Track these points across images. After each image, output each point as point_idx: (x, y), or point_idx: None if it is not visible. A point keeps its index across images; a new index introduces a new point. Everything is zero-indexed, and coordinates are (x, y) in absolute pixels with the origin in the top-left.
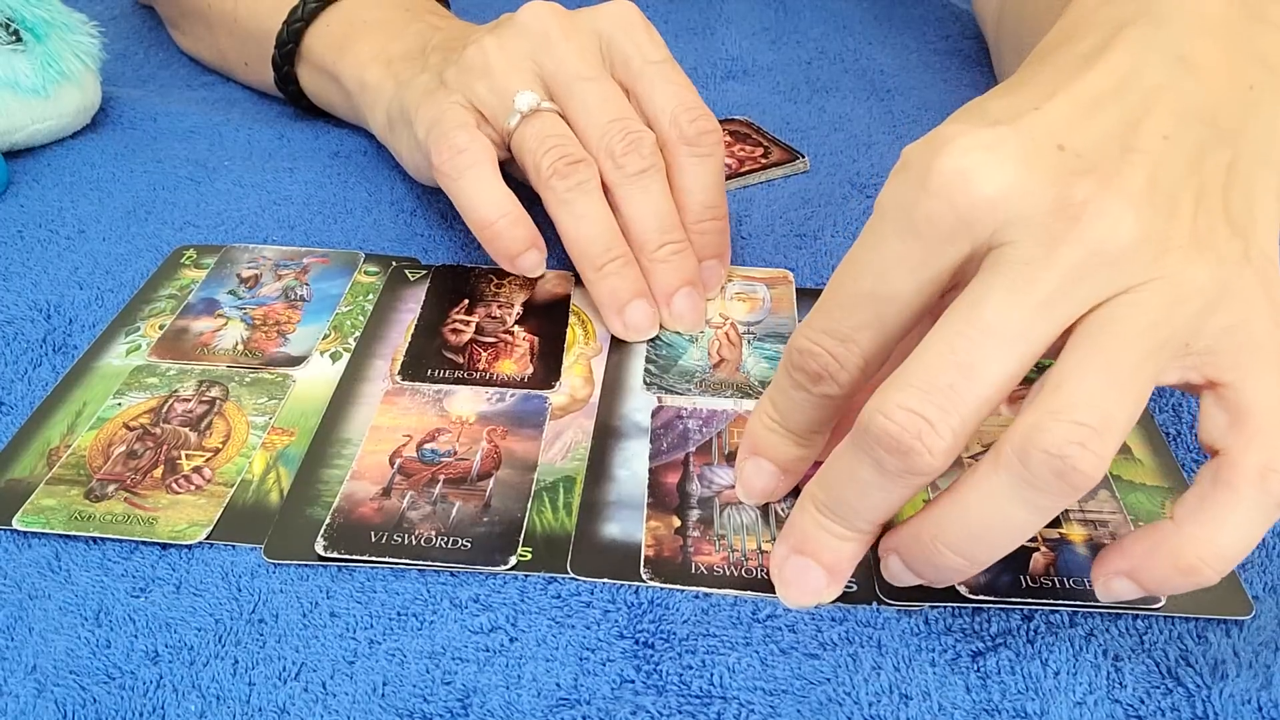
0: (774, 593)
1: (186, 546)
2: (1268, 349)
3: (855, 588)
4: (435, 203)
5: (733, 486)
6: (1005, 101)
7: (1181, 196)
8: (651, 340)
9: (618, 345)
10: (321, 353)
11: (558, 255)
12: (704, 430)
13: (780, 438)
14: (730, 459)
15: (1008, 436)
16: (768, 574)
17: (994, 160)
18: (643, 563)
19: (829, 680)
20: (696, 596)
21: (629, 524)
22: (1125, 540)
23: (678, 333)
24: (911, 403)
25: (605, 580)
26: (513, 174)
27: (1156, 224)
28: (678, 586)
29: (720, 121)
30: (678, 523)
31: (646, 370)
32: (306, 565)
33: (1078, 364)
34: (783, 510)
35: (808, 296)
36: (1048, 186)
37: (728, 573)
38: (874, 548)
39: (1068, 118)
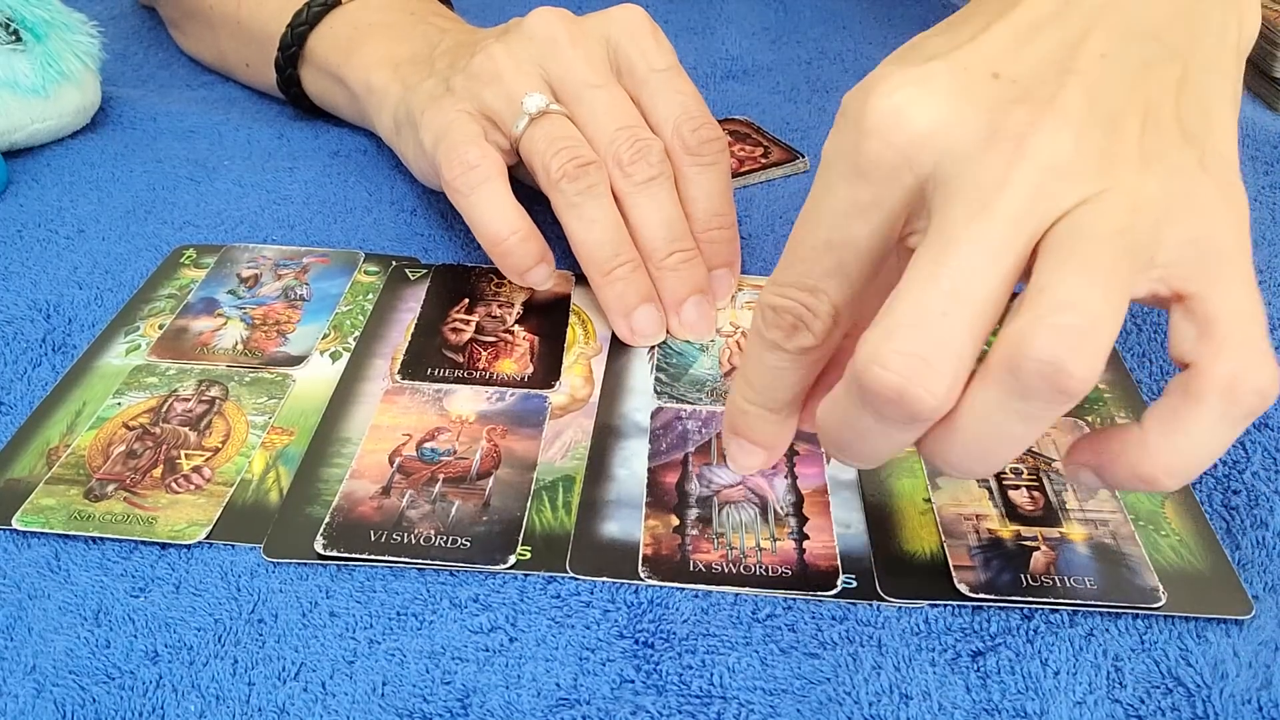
0: (773, 590)
1: (186, 546)
2: (1232, 258)
3: (855, 584)
4: (435, 202)
5: (731, 485)
6: (943, 38)
7: (1125, 113)
8: (662, 349)
9: (618, 345)
10: (321, 352)
11: (565, 259)
12: (703, 431)
13: (756, 416)
14: None
15: (994, 349)
16: (767, 571)
17: (925, 94)
18: (641, 561)
19: (829, 680)
20: (696, 596)
21: (628, 523)
22: (1099, 436)
23: (688, 341)
24: (906, 344)
25: (605, 579)
26: (520, 178)
27: (1097, 140)
28: (676, 584)
29: (720, 121)
30: (676, 521)
31: (657, 379)
32: (306, 564)
33: (1055, 268)
34: (782, 509)
35: None
36: (982, 115)
37: (726, 570)
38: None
39: (1004, 46)
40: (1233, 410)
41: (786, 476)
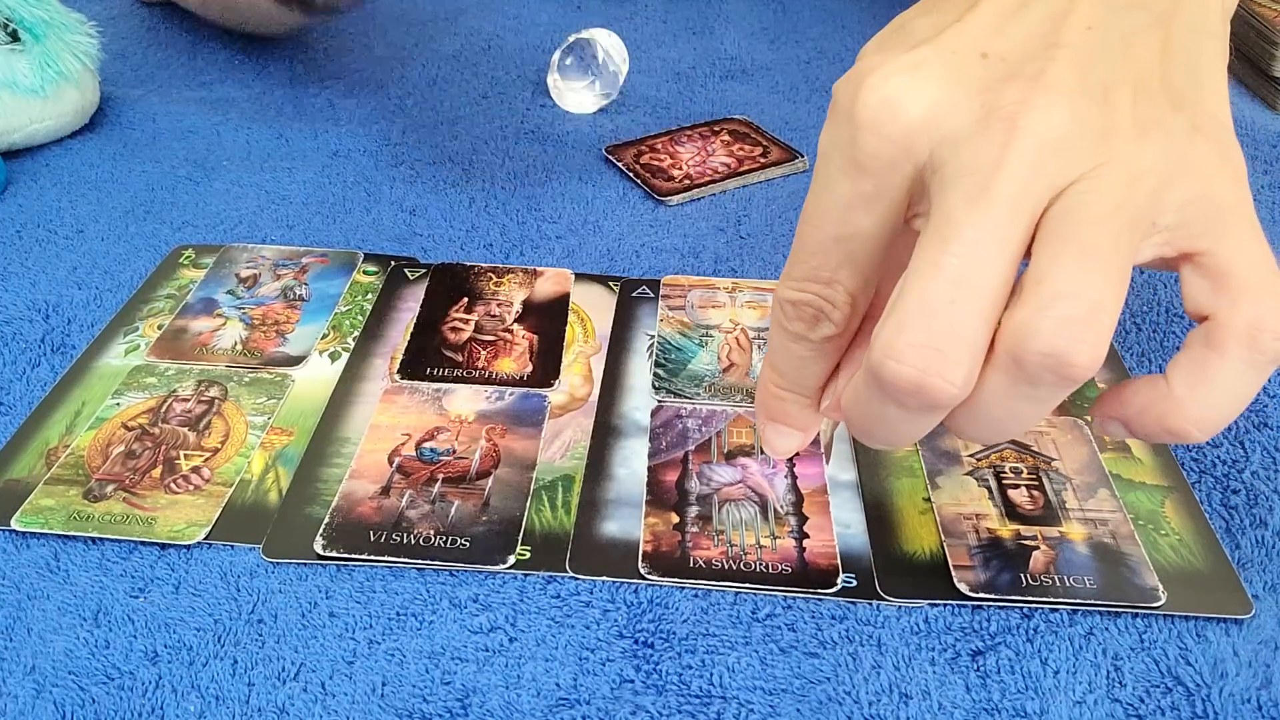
0: (773, 587)
1: (185, 546)
2: (1235, 209)
3: (855, 584)
4: (435, 202)
5: (731, 483)
6: (928, 20)
7: (1116, 83)
8: (660, 344)
9: (617, 344)
10: (320, 352)
11: (565, 259)
12: (703, 429)
13: (790, 402)
14: (729, 457)
15: (999, 340)
16: (767, 569)
17: (916, 82)
18: (640, 558)
19: (829, 679)
20: (696, 595)
21: (627, 522)
22: (1126, 389)
23: (687, 337)
24: (918, 336)
25: (604, 579)
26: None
27: (1092, 112)
28: (675, 581)
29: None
30: (676, 519)
31: (655, 375)
32: (305, 565)
33: (1053, 255)
34: (782, 508)
35: None
36: (974, 97)
37: (726, 567)
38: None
39: (990, 25)
40: (1257, 358)
41: (787, 476)
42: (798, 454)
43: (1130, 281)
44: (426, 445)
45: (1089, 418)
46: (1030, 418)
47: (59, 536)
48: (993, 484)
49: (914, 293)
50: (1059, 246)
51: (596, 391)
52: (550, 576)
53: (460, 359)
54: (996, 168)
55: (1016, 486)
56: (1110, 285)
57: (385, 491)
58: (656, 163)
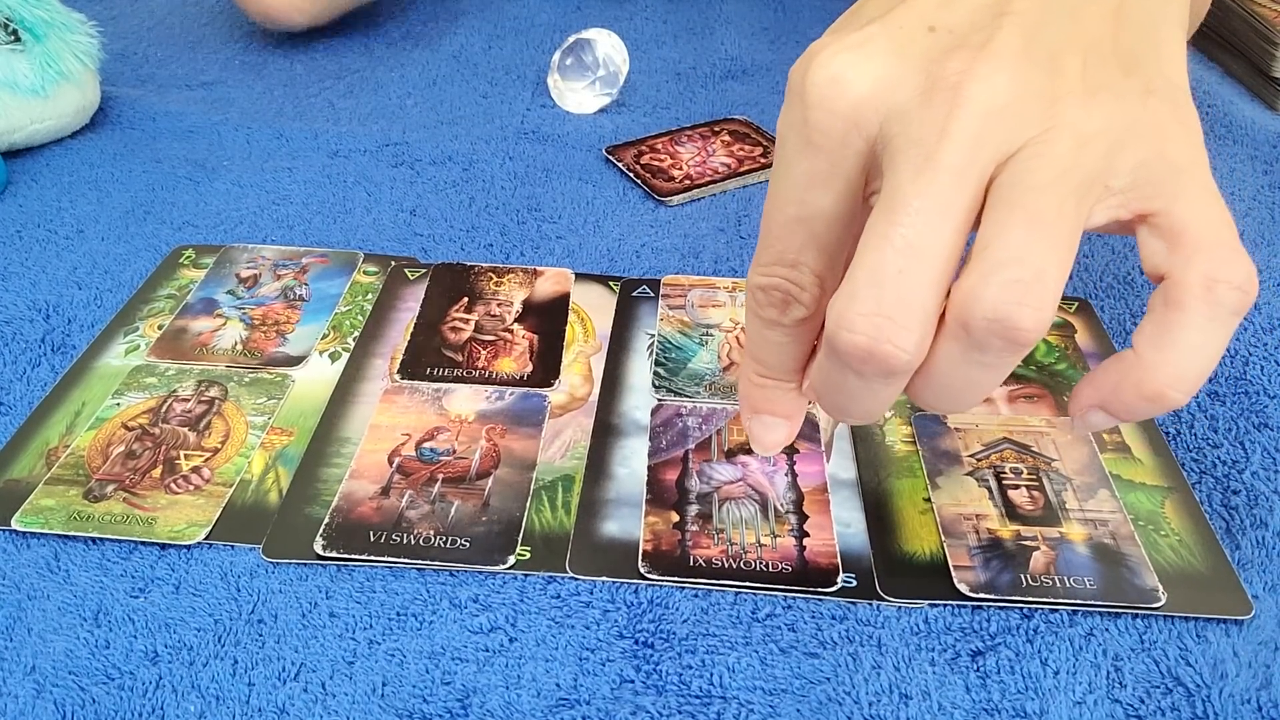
0: (773, 586)
1: (185, 546)
2: (1189, 170)
3: (855, 583)
4: (435, 202)
5: (732, 482)
6: (882, 1)
7: (1065, 49)
8: (660, 343)
9: (617, 343)
10: (320, 352)
11: (563, 260)
12: (703, 427)
13: (773, 389)
14: (729, 455)
15: (949, 308)
16: (767, 567)
17: (861, 59)
18: (641, 557)
19: (829, 680)
20: (696, 595)
21: (627, 521)
22: (1095, 374)
23: (686, 335)
24: (868, 305)
25: (604, 579)
26: None
27: (1038, 77)
28: (675, 580)
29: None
30: (676, 518)
31: (655, 374)
32: (305, 565)
33: (999, 222)
34: (783, 506)
35: None
36: (919, 70)
37: (726, 565)
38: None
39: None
40: (1217, 310)
41: (787, 474)
42: (797, 451)
43: (1130, 282)
44: (426, 445)
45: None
46: (985, 384)
47: (59, 536)
48: (993, 484)
49: (864, 264)
50: (1005, 213)
51: (596, 391)
52: (550, 577)
53: (460, 359)
54: (940, 138)
55: (1016, 487)
56: (1055, 250)
57: (385, 492)
58: (657, 163)
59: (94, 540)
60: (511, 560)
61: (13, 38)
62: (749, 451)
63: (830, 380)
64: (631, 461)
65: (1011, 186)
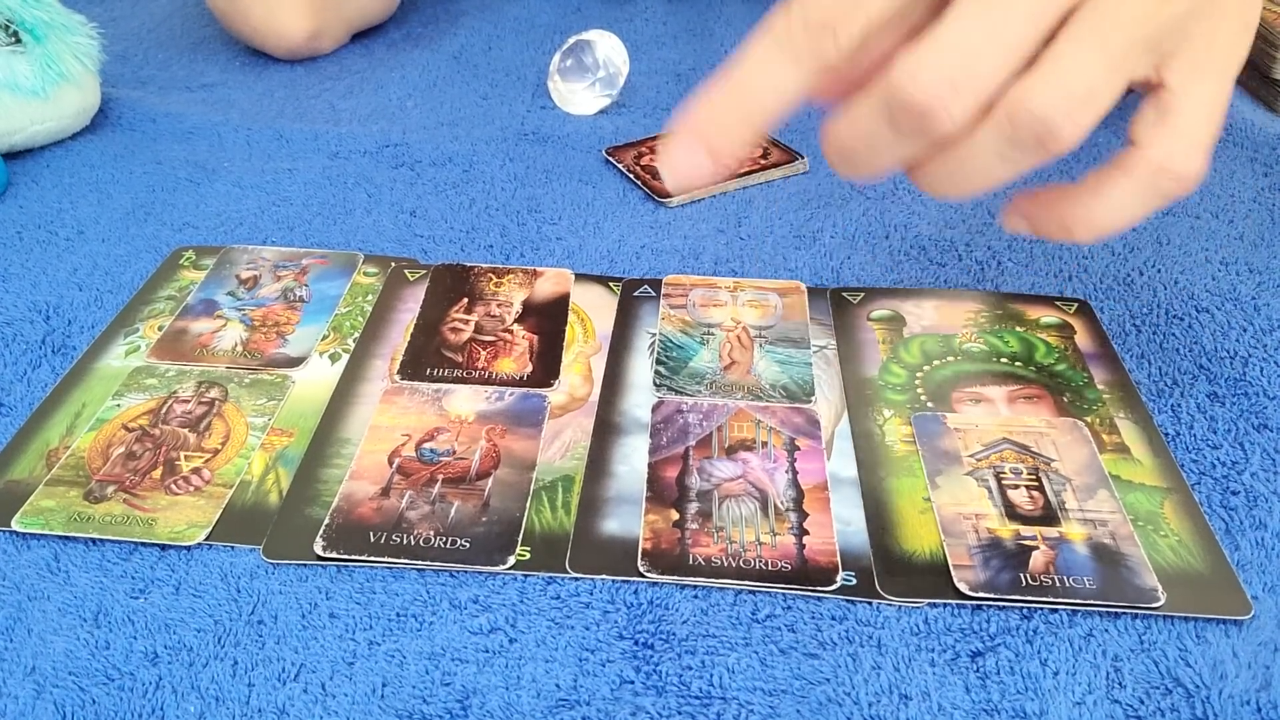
0: (772, 585)
1: (185, 547)
2: (1219, 57)
3: (855, 582)
4: (435, 203)
5: (732, 479)
6: None
7: None
8: (661, 342)
9: (618, 343)
10: (320, 353)
11: (564, 260)
12: (704, 425)
13: (730, 121)
14: (730, 452)
15: (1004, 98)
16: (766, 566)
17: None
18: (640, 556)
19: (829, 680)
20: (696, 596)
21: (627, 519)
22: (1041, 190)
23: (687, 334)
24: (941, 68)
25: (604, 579)
26: None
27: None
28: (675, 578)
29: None
30: (676, 516)
31: (656, 372)
32: (305, 565)
33: (1074, 39)
34: (782, 504)
35: (813, 297)
36: None
37: (725, 564)
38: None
39: None
40: (1150, 188)
41: (787, 471)
42: (798, 449)
43: (1129, 283)
44: (426, 446)
45: (1088, 420)
46: (996, 177)
47: (59, 537)
48: (993, 484)
49: (951, 30)
50: (1082, 34)
51: (597, 391)
52: (550, 577)
53: (460, 359)
54: None
55: (1016, 487)
56: (1110, 83)
57: (385, 492)
58: (656, 164)
59: (94, 541)
60: (511, 561)
61: (13, 39)
62: (750, 448)
63: (861, 127)
64: (632, 459)
65: (1097, 15)
